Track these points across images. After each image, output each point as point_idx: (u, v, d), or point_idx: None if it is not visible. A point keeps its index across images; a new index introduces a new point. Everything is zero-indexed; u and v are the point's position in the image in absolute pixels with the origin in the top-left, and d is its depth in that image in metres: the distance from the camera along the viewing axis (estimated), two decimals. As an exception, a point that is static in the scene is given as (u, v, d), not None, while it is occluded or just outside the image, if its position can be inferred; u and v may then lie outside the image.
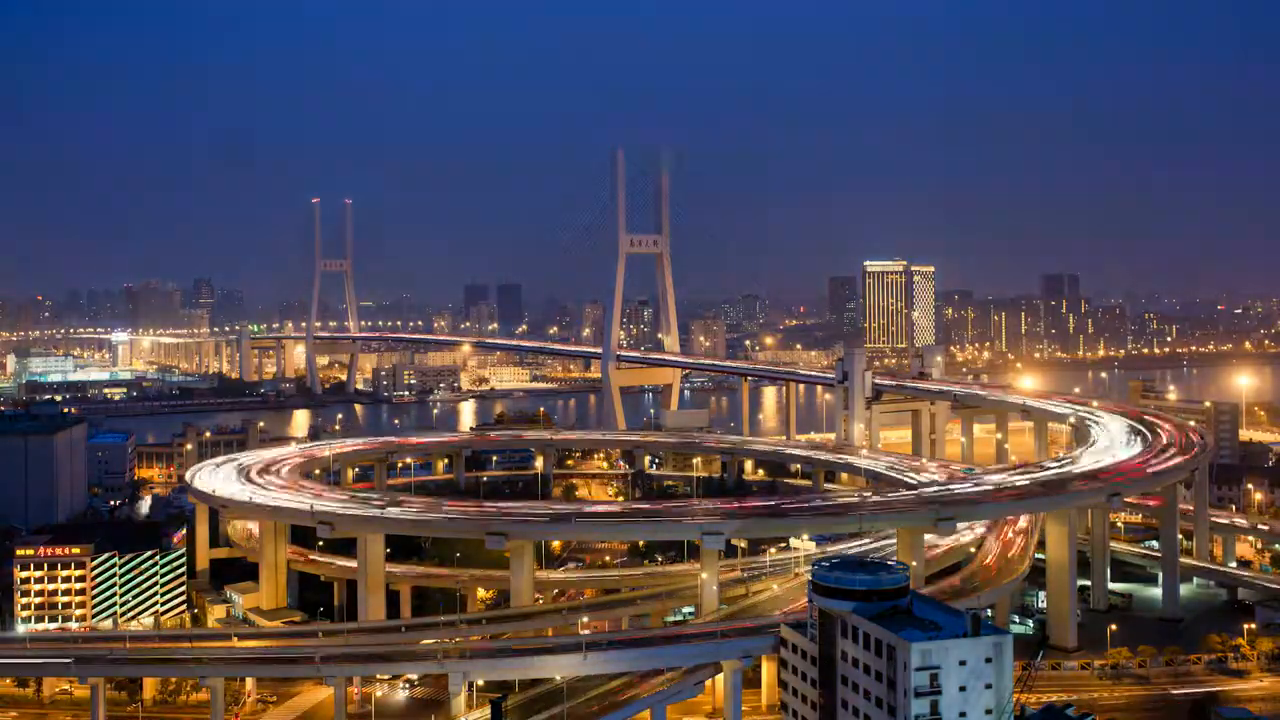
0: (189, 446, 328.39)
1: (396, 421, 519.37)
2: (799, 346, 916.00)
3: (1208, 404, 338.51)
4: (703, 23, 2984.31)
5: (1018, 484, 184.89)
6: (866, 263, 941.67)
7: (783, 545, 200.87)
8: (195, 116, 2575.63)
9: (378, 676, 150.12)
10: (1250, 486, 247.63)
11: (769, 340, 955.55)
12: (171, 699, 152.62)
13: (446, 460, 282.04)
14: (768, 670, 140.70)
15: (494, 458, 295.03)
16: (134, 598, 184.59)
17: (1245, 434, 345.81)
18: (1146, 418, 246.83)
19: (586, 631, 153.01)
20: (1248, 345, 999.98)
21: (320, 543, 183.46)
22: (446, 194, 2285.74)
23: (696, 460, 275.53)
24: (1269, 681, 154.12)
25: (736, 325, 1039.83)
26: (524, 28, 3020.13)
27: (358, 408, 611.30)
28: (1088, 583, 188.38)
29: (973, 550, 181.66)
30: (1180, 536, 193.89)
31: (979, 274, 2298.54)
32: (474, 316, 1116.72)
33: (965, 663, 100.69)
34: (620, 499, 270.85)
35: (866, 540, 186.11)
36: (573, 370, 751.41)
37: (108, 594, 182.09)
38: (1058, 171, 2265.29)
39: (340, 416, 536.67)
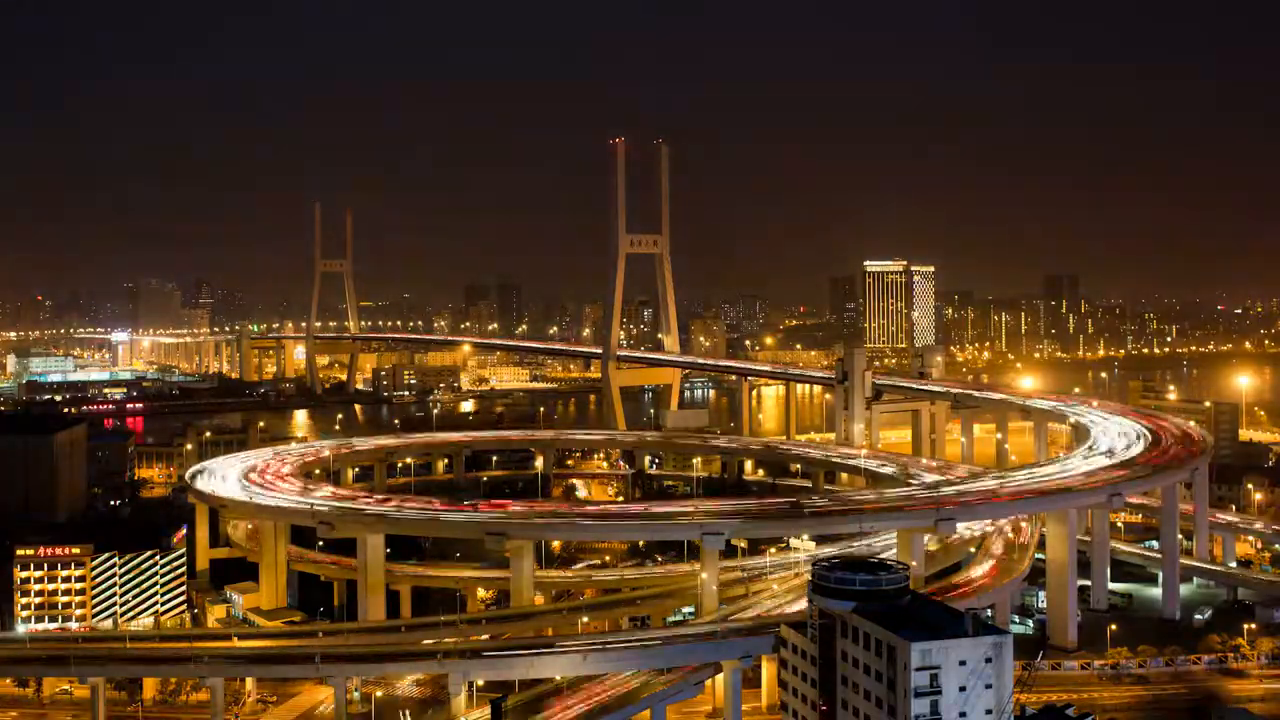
0: (189, 446, 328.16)
1: (397, 422, 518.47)
2: (799, 346, 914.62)
3: (1208, 404, 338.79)
4: (703, 21, 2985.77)
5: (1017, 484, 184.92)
6: (866, 263, 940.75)
7: (783, 545, 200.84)
8: (195, 116, 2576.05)
9: (378, 677, 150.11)
10: (1250, 486, 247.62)
11: (769, 340, 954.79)
12: (171, 699, 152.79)
13: (446, 460, 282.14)
14: (768, 670, 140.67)
15: (494, 458, 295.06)
16: (134, 598, 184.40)
17: (1245, 434, 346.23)
18: (1146, 418, 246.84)
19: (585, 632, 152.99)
20: (1248, 345, 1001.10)
21: (320, 543, 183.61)
22: (446, 193, 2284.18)
23: (696, 460, 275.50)
24: (1269, 681, 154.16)
25: (736, 325, 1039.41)
26: (523, 26, 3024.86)
27: (357, 407, 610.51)
28: (1088, 583, 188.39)
29: (973, 550, 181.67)
30: (1180, 536, 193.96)
31: (979, 274, 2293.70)
32: (474, 316, 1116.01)
33: (965, 663, 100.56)
34: (620, 499, 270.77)
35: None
36: (573, 370, 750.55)
37: (108, 594, 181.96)
38: (1058, 171, 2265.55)
39: (340, 416, 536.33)
